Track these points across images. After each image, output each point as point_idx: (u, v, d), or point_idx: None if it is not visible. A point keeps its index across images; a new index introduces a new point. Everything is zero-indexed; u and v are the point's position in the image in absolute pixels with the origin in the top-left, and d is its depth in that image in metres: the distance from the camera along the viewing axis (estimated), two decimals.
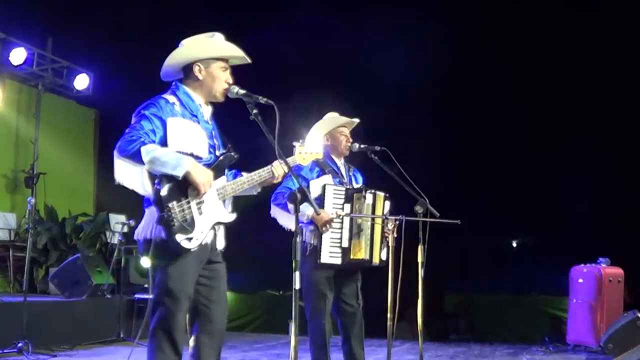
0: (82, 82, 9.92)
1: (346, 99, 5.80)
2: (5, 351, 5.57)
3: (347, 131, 4.56)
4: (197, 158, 3.13)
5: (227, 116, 3.52)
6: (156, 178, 2.96)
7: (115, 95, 9.03)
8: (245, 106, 3.20)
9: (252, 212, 4.28)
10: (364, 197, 4.32)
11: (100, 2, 9.10)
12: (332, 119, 4.54)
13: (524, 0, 9.14)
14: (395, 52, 9.04)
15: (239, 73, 3.38)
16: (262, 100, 3.17)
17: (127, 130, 3.01)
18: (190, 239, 3.01)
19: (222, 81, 3.26)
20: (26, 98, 9.62)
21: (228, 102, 3.32)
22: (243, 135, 3.66)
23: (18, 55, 8.78)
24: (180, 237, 2.98)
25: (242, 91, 3.23)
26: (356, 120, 4.60)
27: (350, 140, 4.55)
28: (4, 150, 9.34)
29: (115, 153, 2.97)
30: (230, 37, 3.33)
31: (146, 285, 7.20)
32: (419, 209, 4.24)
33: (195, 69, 3.23)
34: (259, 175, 3.32)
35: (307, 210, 4.15)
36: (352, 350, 4.43)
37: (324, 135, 4.45)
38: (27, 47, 8.95)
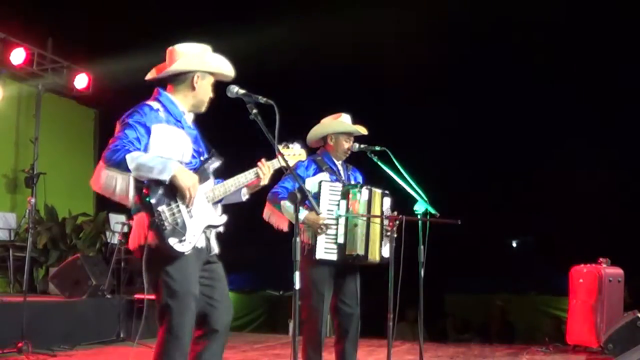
0: (82, 82, 9.92)
1: (346, 98, 5.80)
2: (5, 351, 5.56)
3: (351, 141, 4.53)
4: (183, 163, 3.13)
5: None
6: (143, 184, 2.97)
7: (115, 95, 9.02)
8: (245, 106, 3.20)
9: (251, 212, 4.27)
10: (360, 193, 4.32)
11: (100, 3, 9.10)
12: (343, 123, 4.50)
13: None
14: (394, 51, 9.04)
15: (239, 73, 3.38)
16: (262, 99, 3.17)
17: (111, 141, 3.01)
18: (183, 243, 3.01)
19: (209, 95, 3.30)
20: (26, 98, 9.61)
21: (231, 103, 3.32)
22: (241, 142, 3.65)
23: (18, 55, 8.79)
24: (173, 241, 2.98)
25: (242, 91, 3.22)
26: (364, 132, 4.56)
27: (350, 149, 4.52)
28: (4, 150, 9.34)
29: (101, 164, 2.97)
30: (229, 38, 3.32)
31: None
32: (419, 209, 4.24)
33: (195, 78, 3.24)
34: (245, 177, 3.33)
35: (299, 214, 4.11)
36: (345, 352, 4.36)
37: (330, 134, 4.46)
38: (27, 47, 8.95)
